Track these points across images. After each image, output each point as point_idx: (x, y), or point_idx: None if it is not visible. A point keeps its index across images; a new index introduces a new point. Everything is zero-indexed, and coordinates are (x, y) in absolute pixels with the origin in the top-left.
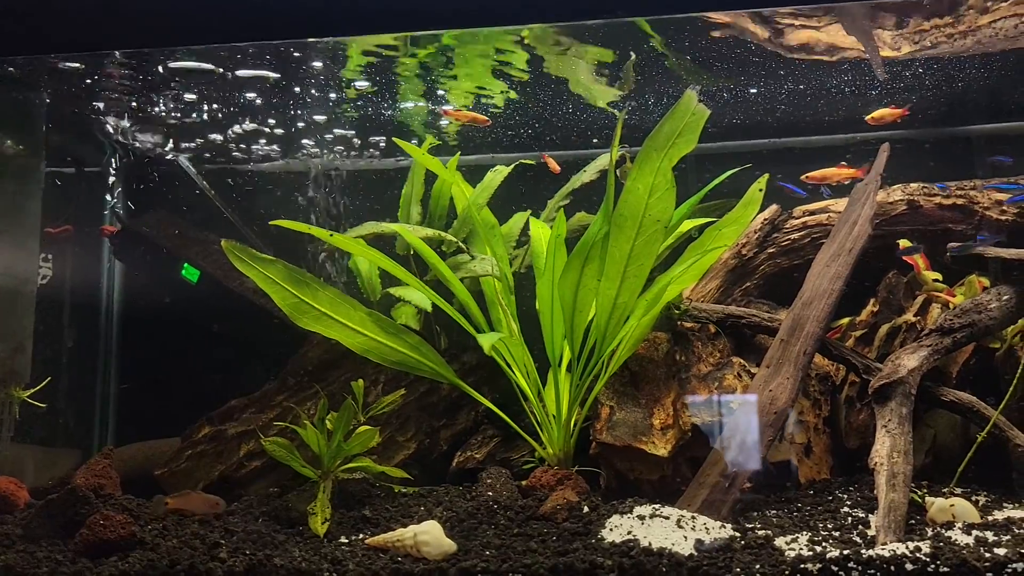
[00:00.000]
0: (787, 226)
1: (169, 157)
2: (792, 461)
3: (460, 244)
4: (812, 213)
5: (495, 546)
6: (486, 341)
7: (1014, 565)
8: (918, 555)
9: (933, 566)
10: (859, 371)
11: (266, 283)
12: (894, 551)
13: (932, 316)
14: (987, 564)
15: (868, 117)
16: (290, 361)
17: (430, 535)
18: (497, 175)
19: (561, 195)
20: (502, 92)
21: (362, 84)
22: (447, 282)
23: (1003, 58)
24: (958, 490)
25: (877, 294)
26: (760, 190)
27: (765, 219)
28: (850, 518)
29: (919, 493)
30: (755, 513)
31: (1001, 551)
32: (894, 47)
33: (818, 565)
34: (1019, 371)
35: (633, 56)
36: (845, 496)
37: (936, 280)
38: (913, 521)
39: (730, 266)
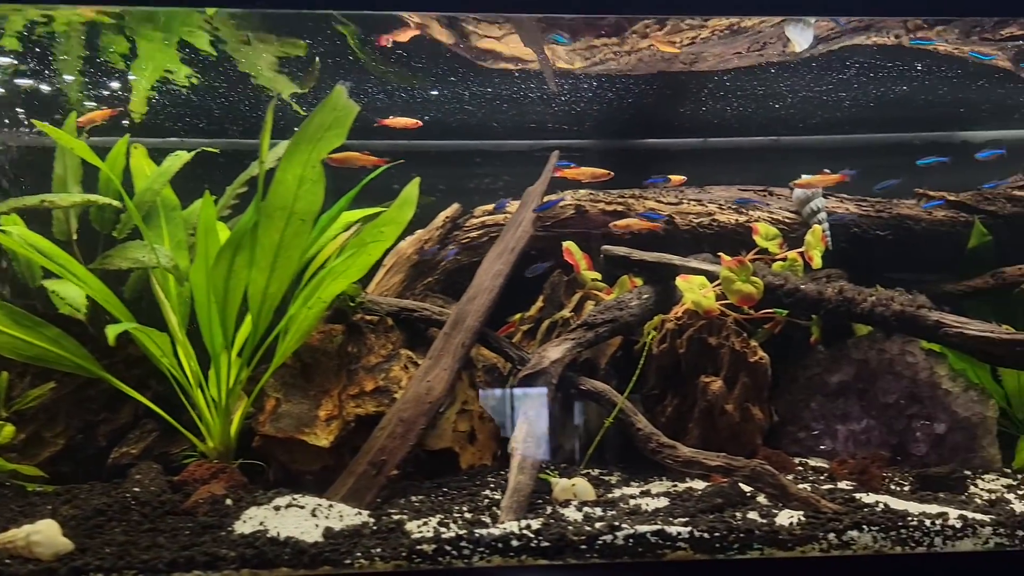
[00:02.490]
0: (468, 224)
1: None
2: (454, 448)
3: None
4: (491, 213)
5: (118, 543)
6: (111, 332)
7: (604, 537)
8: (526, 532)
9: (536, 541)
10: (514, 362)
11: None
12: (506, 529)
13: (586, 312)
14: (582, 538)
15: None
16: None
17: (43, 535)
18: (177, 160)
19: (239, 183)
20: (188, 76)
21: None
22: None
23: (661, 78)
24: (596, 471)
25: (543, 291)
26: (417, 190)
27: (447, 217)
28: (487, 501)
29: (552, 474)
30: (402, 500)
31: (599, 525)
32: (569, 61)
33: (433, 546)
34: (640, 362)
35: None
36: (495, 480)
37: (595, 279)
38: (541, 501)
39: (413, 261)
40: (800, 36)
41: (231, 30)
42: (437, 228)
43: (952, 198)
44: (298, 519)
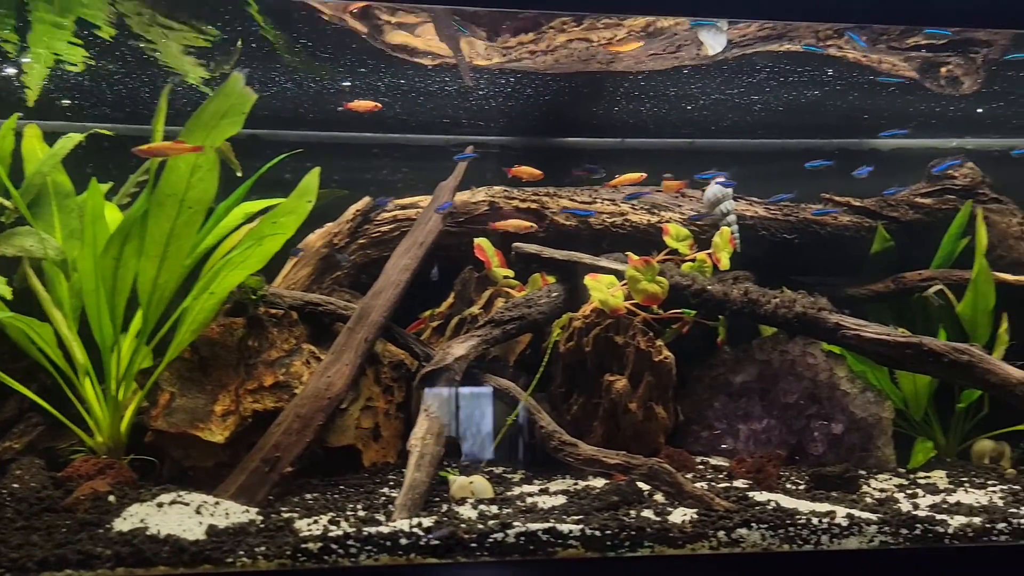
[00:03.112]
0: (379, 218)
1: None
2: (356, 445)
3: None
4: (403, 207)
5: None
6: None
7: (496, 535)
8: (415, 530)
9: (424, 540)
10: (419, 358)
11: None
12: (395, 527)
13: (496, 309)
14: (473, 535)
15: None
16: None
17: None
18: (68, 142)
19: (141, 171)
20: (84, 58)
21: None
22: None
23: (579, 78)
24: (500, 469)
25: (454, 288)
26: (316, 180)
27: (357, 210)
28: (383, 498)
29: (451, 472)
30: (296, 498)
31: (492, 523)
32: (486, 57)
33: (319, 544)
34: (544, 360)
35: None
36: (395, 478)
37: (507, 277)
38: (439, 498)
39: (322, 254)
40: (713, 40)
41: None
42: (347, 221)
43: (857, 204)
44: (181, 517)
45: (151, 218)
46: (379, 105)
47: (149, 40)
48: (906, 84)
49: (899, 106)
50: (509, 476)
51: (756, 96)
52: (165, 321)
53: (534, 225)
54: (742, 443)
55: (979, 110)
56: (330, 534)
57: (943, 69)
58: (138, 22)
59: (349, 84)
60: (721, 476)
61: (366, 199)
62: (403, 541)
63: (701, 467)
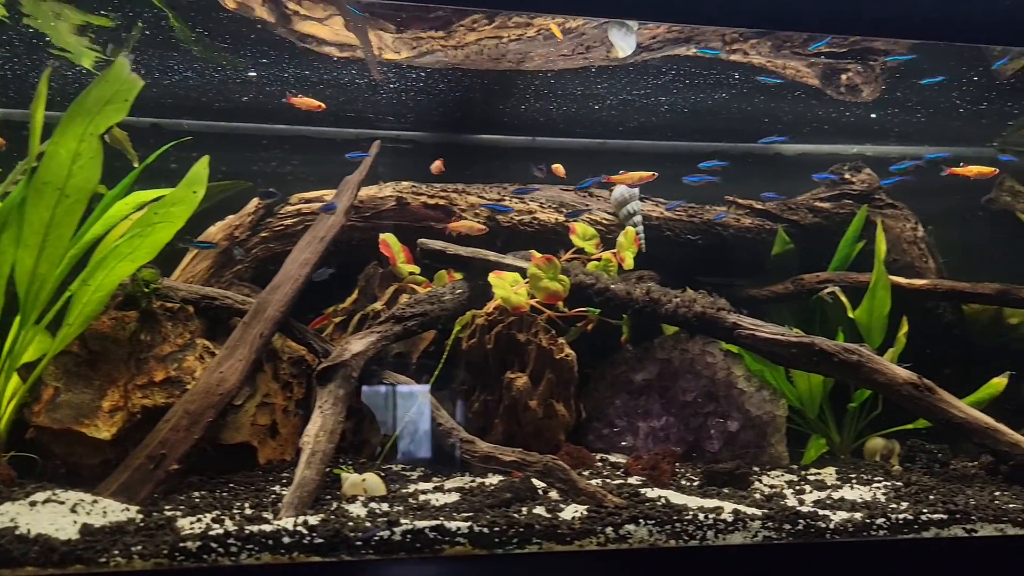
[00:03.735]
0: (282, 212)
1: None
2: (252, 442)
3: None
4: (308, 201)
5: None
6: None
7: (382, 533)
8: (299, 528)
9: (308, 538)
10: (319, 354)
11: None
12: (279, 526)
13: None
14: (357, 533)
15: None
16: None
17: None
18: None
19: (32, 157)
20: None
21: None
22: None
23: (491, 76)
24: (399, 466)
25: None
26: (205, 169)
27: (260, 204)
28: (273, 496)
29: (346, 469)
30: (183, 496)
31: (379, 521)
32: (395, 51)
33: (199, 543)
34: (443, 357)
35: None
36: (289, 476)
37: (412, 273)
38: (330, 496)
39: (222, 248)
40: (623, 42)
41: None
42: (249, 214)
43: (759, 207)
44: (55, 516)
45: (29, 206)
46: (323, 105)
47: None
48: (812, 90)
49: (801, 111)
50: (408, 474)
51: (665, 98)
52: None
53: (486, 228)
54: (641, 440)
55: (872, 115)
56: (211, 532)
57: (843, 76)
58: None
59: (255, 74)
60: (618, 473)
61: (271, 191)
62: (286, 540)
63: (600, 464)
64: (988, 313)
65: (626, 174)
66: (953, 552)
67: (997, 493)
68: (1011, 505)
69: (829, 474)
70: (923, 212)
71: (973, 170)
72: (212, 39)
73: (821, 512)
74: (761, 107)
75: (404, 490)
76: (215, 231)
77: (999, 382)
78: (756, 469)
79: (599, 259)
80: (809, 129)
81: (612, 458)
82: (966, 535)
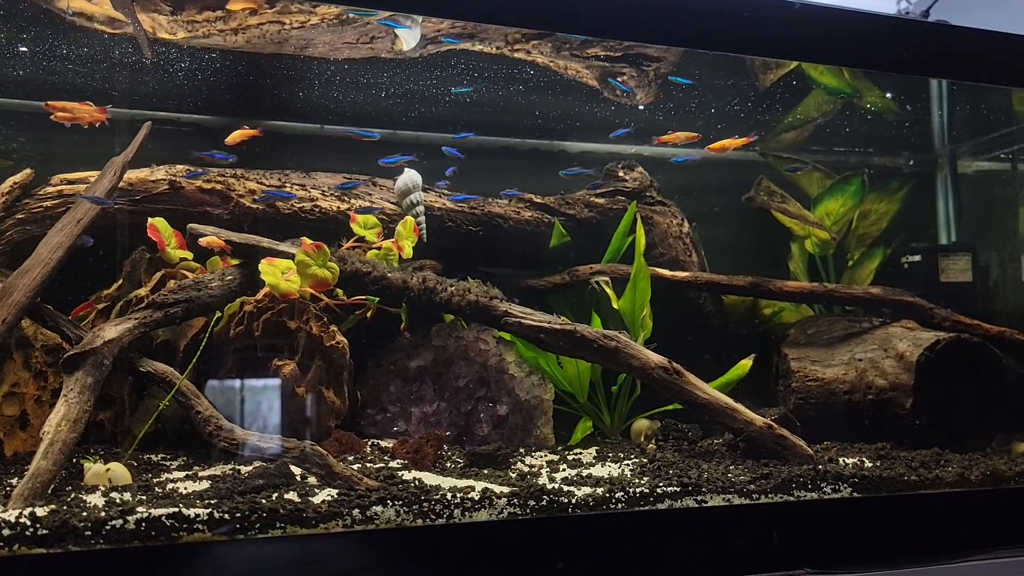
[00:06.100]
0: (42, 193)
1: None
2: None
3: None
4: (71, 182)
5: None
6: None
7: (114, 522)
8: (23, 520)
9: (32, 530)
10: (72, 341)
11: None
12: (1, 517)
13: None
14: (88, 524)
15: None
16: None
17: None
18: None
19: None
20: None
21: None
22: None
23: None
24: (158, 456)
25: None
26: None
27: (15, 183)
28: (9, 488)
29: (92, 459)
30: None
31: (114, 510)
32: (170, 31)
33: None
34: (203, 344)
35: None
36: None
37: (184, 259)
38: (71, 488)
39: None
40: (408, 35)
41: None
42: (3, 194)
43: (538, 200)
44: None
45: None
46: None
47: None
48: (593, 91)
49: (586, 110)
50: (167, 463)
51: (452, 91)
52: None
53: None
54: (414, 425)
55: (647, 114)
56: None
57: (619, 79)
58: None
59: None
60: (386, 457)
61: (27, 171)
62: (5, 532)
63: (370, 449)
64: (745, 303)
65: (674, 134)
66: (683, 521)
67: (732, 467)
68: (741, 478)
69: (590, 454)
70: (691, 210)
71: (717, 146)
72: None
73: (566, 488)
74: (552, 103)
75: (156, 479)
76: None
77: (745, 364)
78: (522, 451)
79: (380, 248)
80: (592, 129)
81: (383, 443)
82: (696, 506)
